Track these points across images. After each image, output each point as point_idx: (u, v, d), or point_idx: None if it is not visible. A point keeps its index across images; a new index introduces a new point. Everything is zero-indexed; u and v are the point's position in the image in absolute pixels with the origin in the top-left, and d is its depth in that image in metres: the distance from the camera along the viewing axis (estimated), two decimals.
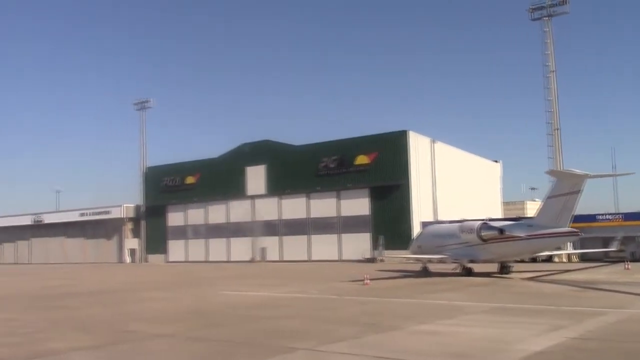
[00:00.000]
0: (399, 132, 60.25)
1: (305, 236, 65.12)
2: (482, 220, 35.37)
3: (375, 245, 58.85)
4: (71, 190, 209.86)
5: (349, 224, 62.31)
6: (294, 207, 66.23)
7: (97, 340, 14.24)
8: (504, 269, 33.92)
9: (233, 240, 71.10)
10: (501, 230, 31.62)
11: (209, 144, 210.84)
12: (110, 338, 14.62)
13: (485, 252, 32.50)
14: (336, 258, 61.77)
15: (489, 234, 31.85)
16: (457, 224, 35.91)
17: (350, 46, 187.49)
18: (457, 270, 34.23)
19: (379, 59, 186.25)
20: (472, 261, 33.69)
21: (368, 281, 28.87)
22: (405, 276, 35.11)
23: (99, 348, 13.21)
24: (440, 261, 35.42)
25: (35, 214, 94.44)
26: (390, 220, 58.84)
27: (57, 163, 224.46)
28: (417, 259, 37.61)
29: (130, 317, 18.61)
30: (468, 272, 33.32)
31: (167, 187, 77.96)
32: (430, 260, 36.79)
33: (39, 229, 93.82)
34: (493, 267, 34.62)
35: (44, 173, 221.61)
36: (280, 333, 14.50)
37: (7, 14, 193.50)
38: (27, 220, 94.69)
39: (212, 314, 18.94)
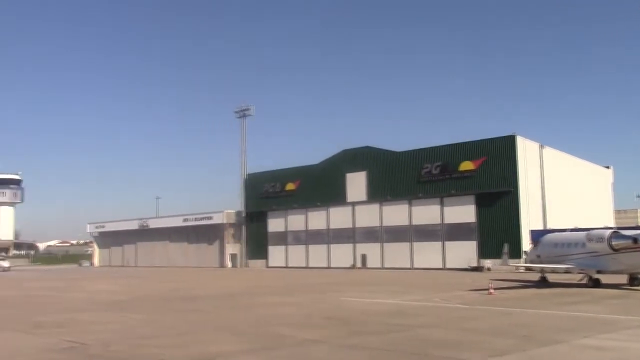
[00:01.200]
0: (507, 137, 58.27)
1: (408, 243, 64.12)
2: (611, 228, 33.36)
3: (484, 254, 56.90)
4: (172, 196, 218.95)
5: (453, 232, 60.82)
6: (396, 213, 65.42)
7: (252, 344, 14.28)
8: (634, 281, 31.75)
9: (333, 246, 71.10)
10: (635, 240, 29.65)
11: (309, 151, 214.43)
12: (264, 342, 14.61)
13: (615, 263, 30.52)
14: (440, 266, 60.43)
15: (622, 243, 29.91)
16: (582, 232, 34.06)
17: (453, 49, 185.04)
18: (583, 281, 32.41)
19: (483, 61, 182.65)
20: (599, 272, 31.79)
21: (492, 290, 27.85)
22: (524, 286, 33.70)
23: (259, 352, 13.20)
24: (566, 271, 33.72)
25: (141, 219, 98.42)
26: (497, 228, 56.96)
27: (158, 170, 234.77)
28: (541, 269, 35.93)
29: (269, 321, 18.67)
30: (595, 283, 31.47)
31: (268, 193, 79.06)
32: (554, 270, 35.16)
33: (144, 234, 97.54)
34: (617, 279, 32.49)
35: (147, 180, 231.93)
36: (437, 343, 14.02)
37: (119, 30, 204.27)
38: (133, 225, 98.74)
39: (349, 320, 18.67)
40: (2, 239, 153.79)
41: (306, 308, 23.17)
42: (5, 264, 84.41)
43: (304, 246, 74.59)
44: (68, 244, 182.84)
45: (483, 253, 57.32)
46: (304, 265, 73.13)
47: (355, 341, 14.49)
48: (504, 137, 58.51)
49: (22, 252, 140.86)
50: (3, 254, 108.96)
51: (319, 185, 72.40)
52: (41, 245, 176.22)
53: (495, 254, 54.61)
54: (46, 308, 24.78)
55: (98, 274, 66.16)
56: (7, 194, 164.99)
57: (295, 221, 75.85)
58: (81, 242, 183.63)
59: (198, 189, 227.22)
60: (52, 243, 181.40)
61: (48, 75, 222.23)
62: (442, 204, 62.11)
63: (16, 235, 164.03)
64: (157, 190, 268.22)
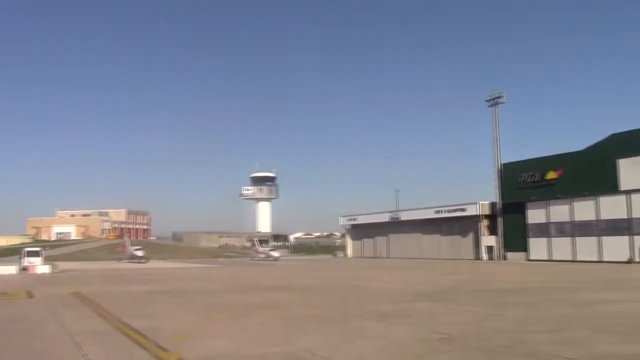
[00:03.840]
0: None
1: None
2: None
3: None
4: (414, 188, 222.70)
5: None
6: None
7: None
8: None
9: (605, 239, 65.76)
10: None
11: (569, 137, 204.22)
12: None
13: None
14: None
15: None
16: None
17: None
18: None
19: None
20: None
21: None
22: None
23: None
24: None
25: (392, 211, 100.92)
26: None
27: (399, 162, 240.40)
28: None
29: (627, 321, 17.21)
30: None
31: (525, 183, 75.75)
32: None
33: (396, 226, 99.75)
34: None
35: (388, 173, 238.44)
36: None
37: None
38: (385, 218, 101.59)
39: None
40: (263, 231, 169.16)
41: None
42: (276, 254, 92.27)
43: (569, 238, 70.14)
44: (312, 236, 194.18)
45: None
46: (569, 258, 68.72)
47: None
48: None
49: (279, 244, 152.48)
50: (264, 244, 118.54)
51: (585, 173, 67.43)
52: (290, 237, 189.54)
53: None
54: (366, 297, 25.77)
55: (366, 265, 68.20)
56: (264, 190, 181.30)
57: (559, 212, 71.61)
58: (325, 233, 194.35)
59: (441, 181, 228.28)
60: (298, 235, 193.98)
61: (297, 78, 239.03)
62: None
63: (271, 228, 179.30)
64: (397, 183, 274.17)
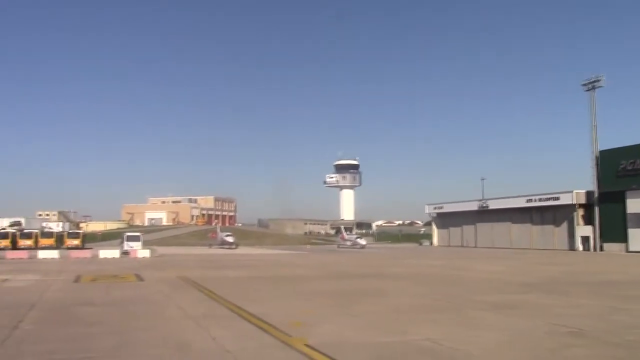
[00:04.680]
0: None
1: None
2: None
3: None
4: (502, 177, 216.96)
5: None
6: None
7: None
8: None
9: None
10: None
11: None
12: None
13: None
14: None
15: None
16: None
17: None
18: None
19: None
20: None
21: None
22: None
23: None
24: None
25: (481, 200, 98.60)
26: None
27: (485, 150, 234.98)
28: None
29: None
30: None
31: (625, 170, 72.04)
32: None
33: (484, 215, 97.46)
34: None
35: (472, 161, 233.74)
36: None
37: None
38: (472, 206, 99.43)
39: None
40: (346, 219, 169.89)
41: None
42: (363, 241, 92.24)
43: None
44: (394, 224, 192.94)
45: None
46: None
47: None
48: None
49: (363, 231, 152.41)
50: (349, 232, 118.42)
51: None
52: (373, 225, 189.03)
53: None
54: (469, 287, 25.19)
55: (455, 254, 66.62)
56: (348, 178, 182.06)
57: None
58: (407, 222, 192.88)
59: (528, 169, 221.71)
60: (379, 222, 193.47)
61: (381, 67, 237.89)
62: None
63: (355, 215, 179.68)
64: (482, 171, 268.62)
